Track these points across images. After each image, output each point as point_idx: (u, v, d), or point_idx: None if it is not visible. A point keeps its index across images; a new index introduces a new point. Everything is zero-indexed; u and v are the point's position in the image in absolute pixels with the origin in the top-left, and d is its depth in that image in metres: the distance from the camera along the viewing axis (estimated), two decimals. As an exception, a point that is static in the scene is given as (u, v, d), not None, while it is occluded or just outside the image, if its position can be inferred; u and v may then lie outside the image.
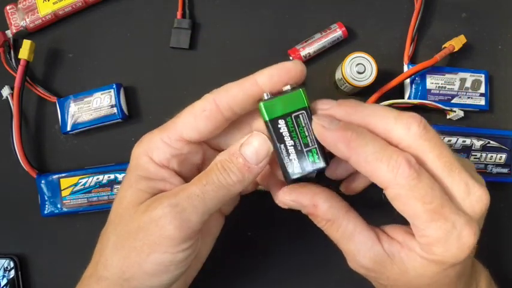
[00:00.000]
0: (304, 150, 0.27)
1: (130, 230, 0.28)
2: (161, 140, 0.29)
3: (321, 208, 0.28)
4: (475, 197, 0.26)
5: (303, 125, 0.27)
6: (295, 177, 0.27)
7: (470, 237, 0.25)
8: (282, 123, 0.27)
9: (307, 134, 0.27)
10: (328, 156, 0.28)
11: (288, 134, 0.27)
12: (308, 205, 0.29)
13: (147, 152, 0.29)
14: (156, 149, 0.29)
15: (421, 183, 0.25)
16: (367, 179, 0.27)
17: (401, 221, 0.27)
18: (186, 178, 0.30)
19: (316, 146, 0.27)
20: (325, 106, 0.28)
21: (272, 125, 0.27)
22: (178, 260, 0.27)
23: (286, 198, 0.29)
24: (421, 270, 0.27)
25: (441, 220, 0.25)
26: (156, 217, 0.27)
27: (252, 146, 0.27)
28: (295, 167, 0.27)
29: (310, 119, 0.27)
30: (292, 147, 0.27)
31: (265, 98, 0.27)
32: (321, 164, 0.27)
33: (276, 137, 0.27)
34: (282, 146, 0.27)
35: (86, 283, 0.30)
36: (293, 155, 0.27)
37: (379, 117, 0.27)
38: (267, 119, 0.27)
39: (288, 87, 0.27)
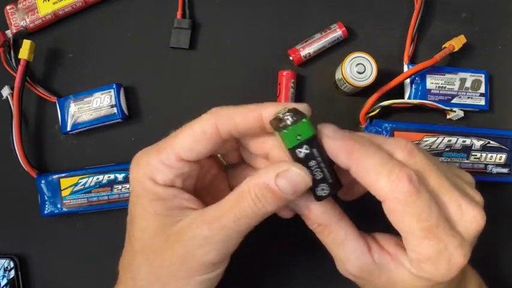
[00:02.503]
0: (326, 173, 0.28)
1: (164, 258, 0.28)
2: (161, 162, 0.28)
3: (314, 212, 0.28)
4: (468, 218, 0.26)
5: (316, 150, 0.27)
6: (323, 199, 0.28)
7: (460, 259, 0.25)
8: (302, 150, 0.26)
9: (320, 160, 0.27)
10: (339, 178, 0.28)
11: (306, 158, 0.26)
12: (302, 206, 0.29)
13: (149, 176, 0.28)
14: (157, 171, 0.28)
15: (419, 200, 0.25)
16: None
17: (395, 230, 0.27)
18: (195, 191, 0.30)
19: (328, 168, 0.27)
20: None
21: (294, 152, 0.26)
22: (214, 276, 0.28)
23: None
24: (409, 284, 0.27)
25: (434, 239, 0.25)
26: (192, 248, 0.27)
27: (290, 180, 0.26)
28: (323, 190, 0.28)
29: (319, 145, 0.26)
30: (316, 170, 0.27)
31: (283, 127, 0.26)
32: (331, 188, 0.28)
33: (299, 162, 0.27)
34: (308, 170, 0.27)
35: None
36: (319, 178, 0.27)
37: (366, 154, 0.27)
38: (290, 146, 0.26)
39: (283, 115, 0.26)
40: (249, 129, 0.28)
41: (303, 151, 0.26)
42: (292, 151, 0.26)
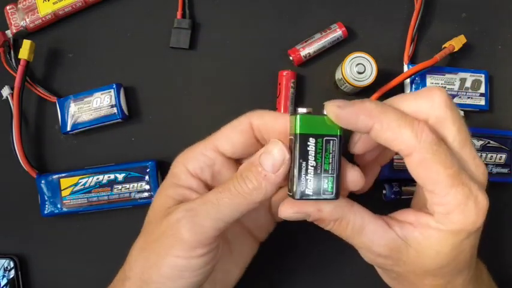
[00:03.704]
0: (323, 175, 0.27)
1: (154, 233, 0.29)
2: (198, 151, 0.30)
3: (326, 210, 0.28)
4: (481, 170, 0.28)
5: (331, 151, 0.27)
6: (304, 198, 0.27)
7: (485, 201, 0.26)
8: (312, 142, 0.27)
9: (331, 161, 0.27)
10: (340, 190, 0.28)
11: (314, 154, 0.27)
12: (313, 211, 0.29)
13: (183, 161, 0.31)
14: (192, 158, 0.30)
15: (441, 148, 0.26)
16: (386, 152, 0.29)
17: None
18: None
19: (335, 175, 0.27)
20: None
21: (301, 140, 0.27)
22: (192, 266, 0.28)
23: (289, 212, 0.29)
24: (438, 247, 0.27)
25: (460, 185, 0.26)
26: (172, 221, 0.28)
27: (270, 155, 0.27)
28: (308, 188, 0.27)
29: (340, 148, 0.27)
30: (313, 168, 0.27)
31: (303, 111, 0.27)
32: (331, 195, 0.27)
33: (300, 152, 0.27)
34: (304, 163, 0.27)
35: (114, 284, 0.31)
36: (310, 176, 0.27)
37: (400, 100, 0.28)
38: (299, 132, 0.27)
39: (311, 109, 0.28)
40: (272, 130, 0.29)
41: (312, 143, 0.27)
42: (301, 138, 0.27)
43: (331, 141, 0.27)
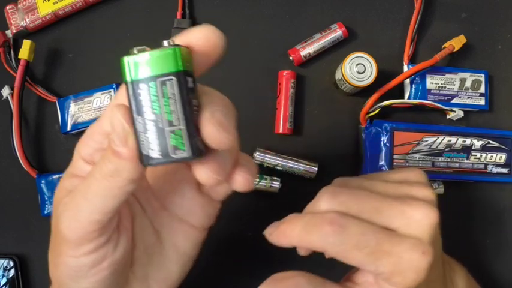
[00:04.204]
0: (166, 129, 0.21)
1: (53, 230, 0.27)
2: (88, 134, 0.26)
3: (301, 281, 0.27)
4: (418, 218, 0.26)
5: (169, 95, 0.21)
6: (151, 163, 0.21)
7: (421, 259, 0.25)
8: (143, 88, 0.21)
9: (173, 109, 0.21)
10: (199, 145, 0.21)
11: (149, 105, 0.21)
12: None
13: (77, 148, 0.26)
14: (83, 144, 0.26)
15: (348, 234, 0.25)
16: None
17: None
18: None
19: (182, 127, 0.21)
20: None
21: (133, 89, 0.21)
22: (85, 264, 0.25)
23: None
24: None
25: (385, 256, 0.25)
26: (56, 216, 0.25)
27: (112, 125, 0.22)
28: (152, 150, 0.21)
29: (183, 91, 0.21)
30: (152, 122, 0.21)
31: (135, 51, 0.21)
32: (185, 154, 0.21)
33: (134, 106, 0.21)
34: (140, 119, 0.21)
35: None
36: (152, 134, 0.21)
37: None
38: (125, 79, 0.21)
39: (166, 42, 0.22)
40: None
41: (143, 90, 0.21)
42: (130, 87, 0.21)
43: (168, 83, 0.21)
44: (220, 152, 0.23)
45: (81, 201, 0.24)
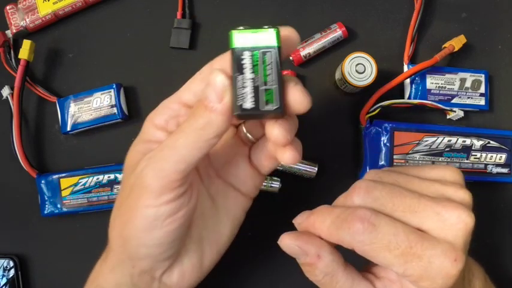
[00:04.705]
0: (261, 88, 0.25)
1: (125, 189, 0.29)
2: (163, 105, 0.30)
3: (325, 260, 0.27)
4: (452, 221, 0.26)
5: (268, 62, 0.26)
6: (245, 113, 0.25)
7: (451, 266, 0.25)
8: (247, 55, 0.26)
9: (269, 73, 0.26)
10: (284, 103, 0.26)
11: (250, 67, 0.25)
12: (313, 254, 0.27)
13: (150, 118, 0.31)
14: (157, 113, 0.30)
15: (379, 233, 0.25)
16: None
17: None
18: (214, 167, 0.32)
19: (275, 86, 0.25)
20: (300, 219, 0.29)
21: (236, 54, 0.25)
22: (162, 214, 0.27)
23: (290, 243, 0.28)
24: None
25: (415, 260, 0.25)
26: (137, 172, 0.28)
27: (211, 85, 0.26)
28: (246, 103, 0.25)
29: (278, 60, 0.26)
30: (251, 80, 0.25)
31: (241, 28, 0.26)
32: (275, 107, 0.25)
33: (236, 67, 0.25)
34: (240, 77, 0.25)
35: (99, 263, 0.32)
36: (249, 89, 0.25)
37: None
38: (235, 46, 0.26)
39: (267, 26, 0.26)
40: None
41: (247, 56, 0.25)
42: (235, 52, 0.25)
43: (268, 53, 0.26)
44: (290, 119, 0.27)
45: (169, 152, 0.27)
